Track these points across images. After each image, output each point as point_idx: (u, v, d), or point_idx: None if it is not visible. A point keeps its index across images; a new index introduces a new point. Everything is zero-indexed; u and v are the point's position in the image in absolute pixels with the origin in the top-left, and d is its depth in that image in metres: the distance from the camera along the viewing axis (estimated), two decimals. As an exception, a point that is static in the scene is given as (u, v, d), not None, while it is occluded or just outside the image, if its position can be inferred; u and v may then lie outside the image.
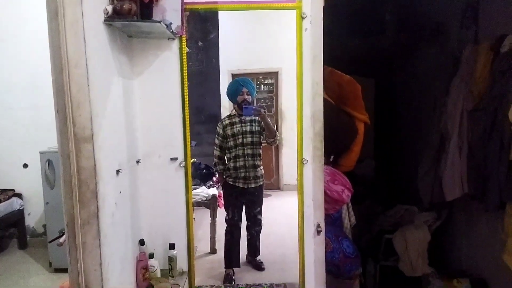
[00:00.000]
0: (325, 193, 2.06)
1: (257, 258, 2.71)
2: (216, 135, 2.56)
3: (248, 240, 2.68)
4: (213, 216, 2.99)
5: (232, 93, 2.51)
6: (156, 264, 1.97)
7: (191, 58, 4.96)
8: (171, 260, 1.98)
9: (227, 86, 2.66)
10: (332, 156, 2.48)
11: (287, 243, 2.86)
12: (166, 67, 1.95)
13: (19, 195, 3.74)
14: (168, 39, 1.92)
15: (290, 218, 3.17)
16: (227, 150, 2.55)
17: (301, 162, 1.98)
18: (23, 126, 3.72)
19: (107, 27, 1.59)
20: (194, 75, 5.12)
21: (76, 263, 1.39)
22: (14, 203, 3.63)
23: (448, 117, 2.58)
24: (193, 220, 2.05)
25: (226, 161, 2.62)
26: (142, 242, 1.92)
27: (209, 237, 2.98)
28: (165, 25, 1.71)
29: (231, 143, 2.50)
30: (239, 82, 2.51)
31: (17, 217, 3.67)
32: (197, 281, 2.09)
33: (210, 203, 2.98)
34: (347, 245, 2.23)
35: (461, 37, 2.69)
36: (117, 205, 1.64)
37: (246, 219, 2.64)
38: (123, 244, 1.74)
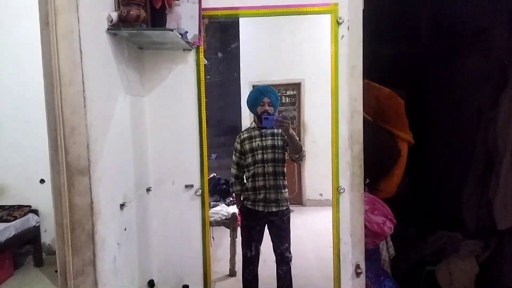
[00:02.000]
0: (364, 226, 1.76)
1: None
2: (234, 151, 2.23)
3: (277, 277, 2.34)
4: (233, 236, 2.75)
5: (252, 103, 2.17)
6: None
7: (211, 70, 4.85)
8: (185, 305, 1.71)
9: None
10: (368, 180, 2.17)
11: (312, 266, 2.62)
12: (181, 81, 1.73)
13: (35, 211, 3.61)
14: (184, 50, 1.70)
15: (316, 236, 2.84)
16: (246, 168, 2.23)
17: (337, 191, 1.70)
18: (39, 140, 3.59)
19: (111, 37, 1.37)
20: (214, 86, 5.02)
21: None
22: (30, 220, 3.50)
23: (498, 134, 2.30)
24: (211, 240, 1.77)
25: (244, 181, 2.33)
26: (151, 283, 1.68)
27: (229, 258, 2.75)
28: (180, 34, 1.48)
29: (250, 160, 2.15)
30: (261, 90, 2.16)
31: (33, 234, 3.54)
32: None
33: (230, 223, 2.75)
34: (389, 286, 1.91)
35: (509, 44, 2.41)
36: (121, 245, 1.40)
37: (274, 254, 2.31)
38: (128, 290, 1.49)
